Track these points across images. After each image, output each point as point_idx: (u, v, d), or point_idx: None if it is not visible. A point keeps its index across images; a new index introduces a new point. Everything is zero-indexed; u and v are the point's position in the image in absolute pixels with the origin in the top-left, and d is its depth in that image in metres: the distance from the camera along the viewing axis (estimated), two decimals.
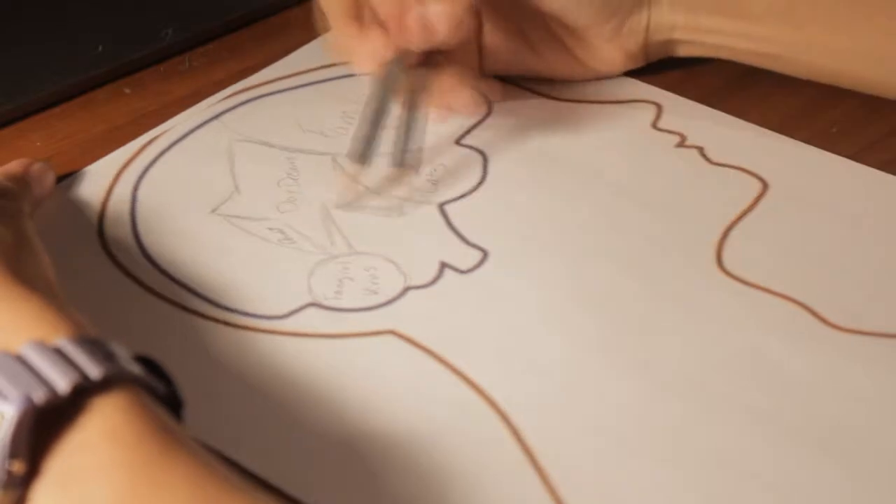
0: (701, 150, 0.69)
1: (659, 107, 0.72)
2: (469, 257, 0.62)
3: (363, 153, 0.66)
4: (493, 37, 0.72)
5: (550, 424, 0.54)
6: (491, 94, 0.71)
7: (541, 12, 0.70)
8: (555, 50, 0.72)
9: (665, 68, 0.74)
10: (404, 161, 0.66)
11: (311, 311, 0.59)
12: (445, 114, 0.69)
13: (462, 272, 0.61)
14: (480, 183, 0.67)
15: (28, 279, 0.50)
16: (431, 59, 0.67)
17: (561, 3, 0.69)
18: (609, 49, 0.72)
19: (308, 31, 0.77)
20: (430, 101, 0.67)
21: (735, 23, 0.70)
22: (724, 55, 0.72)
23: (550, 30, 0.72)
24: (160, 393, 0.46)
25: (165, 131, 0.70)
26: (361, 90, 0.68)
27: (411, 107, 0.66)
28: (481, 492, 0.51)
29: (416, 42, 0.65)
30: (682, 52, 0.73)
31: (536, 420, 0.54)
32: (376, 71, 0.67)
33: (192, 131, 0.70)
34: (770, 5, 0.69)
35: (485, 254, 0.62)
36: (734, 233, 0.63)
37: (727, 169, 0.67)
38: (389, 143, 0.66)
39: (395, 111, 0.66)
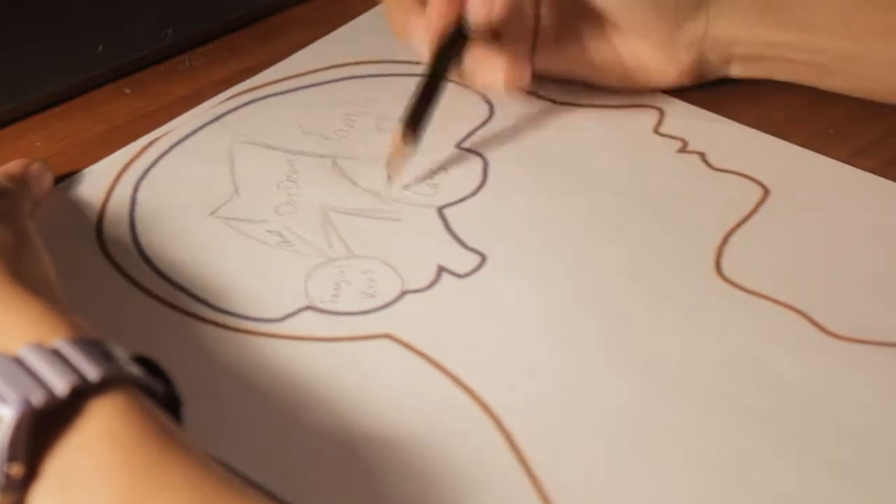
0: (702, 155, 0.68)
1: (661, 112, 0.72)
2: (467, 261, 0.62)
3: (415, 126, 0.66)
4: (547, 35, 0.72)
5: (547, 429, 0.54)
6: (521, 77, 0.70)
7: (594, 13, 0.70)
8: (606, 57, 0.72)
9: None
10: (415, 129, 0.66)
11: (308, 314, 0.59)
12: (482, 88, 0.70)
13: (460, 276, 0.61)
14: (480, 187, 0.67)
15: (28, 280, 0.50)
16: (481, 36, 0.68)
17: (610, 1, 0.69)
18: (660, 60, 0.71)
19: (308, 31, 0.77)
20: (462, 75, 0.69)
21: (797, 36, 0.69)
22: (780, 75, 0.71)
23: (605, 36, 0.71)
24: (159, 393, 0.46)
25: (167, 133, 0.70)
26: (363, 92, 0.69)
27: (437, 77, 0.67)
28: (475, 496, 0.51)
29: (474, 15, 0.66)
30: (741, 72, 0.72)
31: (533, 425, 0.54)
32: (430, 44, 0.67)
33: (193, 133, 0.70)
34: (830, 17, 0.68)
35: (483, 258, 0.62)
36: (734, 239, 0.63)
37: (728, 175, 0.67)
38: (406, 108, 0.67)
39: (447, 87, 0.68)
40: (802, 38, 0.69)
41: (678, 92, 0.73)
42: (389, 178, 0.67)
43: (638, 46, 0.71)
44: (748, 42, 0.70)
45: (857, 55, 0.68)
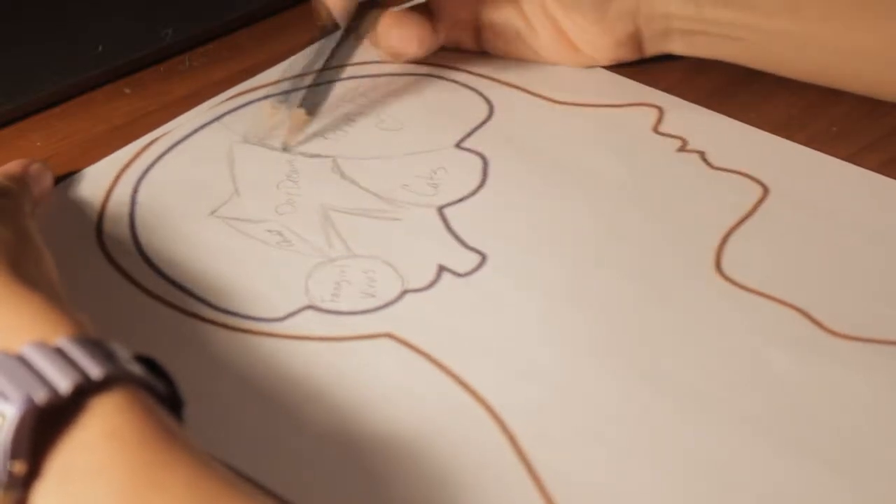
0: (702, 154, 0.68)
1: (660, 110, 0.72)
2: (467, 261, 0.62)
3: (288, 96, 0.70)
4: (491, 11, 0.73)
5: (547, 429, 0.54)
6: (424, 45, 0.72)
7: None
8: (551, 32, 0.73)
9: (665, 69, 0.74)
10: (307, 105, 0.69)
11: (309, 313, 0.59)
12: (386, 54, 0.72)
13: (460, 275, 0.61)
14: (480, 186, 0.67)
15: (30, 278, 0.50)
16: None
17: None
18: (596, 33, 0.72)
19: (308, 31, 0.77)
20: (370, 39, 0.71)
21: (742, 15, 0.69)
22: (725, 54, 0.71)
23: (547, 11, 0.72)
24: (161, 392, 0.46)
25: (167, 133, 0.70)
26: (363, 92, 0.69)
27: (337, 53, 0.70)
28: (476, 497, 0.51)
29: None
30: (682, 48, 0.72)
31: (533, 425, 0.54)
32: (341, 12, 0.70)
33: (193, 133, 0.70)
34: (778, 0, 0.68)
35: (483, 257, 0.62)
36: (734, 238, 0.63)
37: (728, 174, 0.67)
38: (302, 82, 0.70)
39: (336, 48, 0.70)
40: (746, 16, 0.69)
41: (677, 91, 0.73)
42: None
43: (575, 20, 0.72)
44: (688, 17, 0.70)
45: (805, 39, 0.68)
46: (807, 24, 0.68)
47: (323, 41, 0.70)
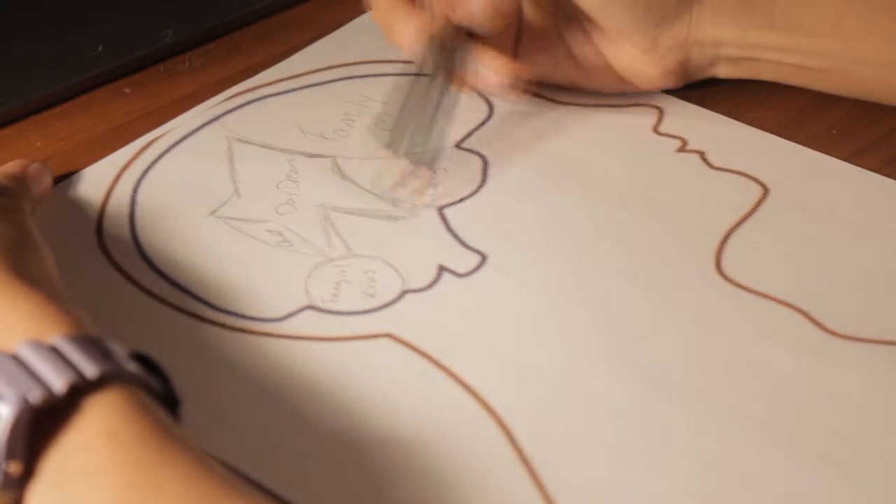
0: (702, 154, 0.68)
1: (660, 111, 0.72)
2: (467, 261, 0.62)
3: (396, 141, 0.66)
4: (532, 38, 0.71)
5: (547, 429, 0.54)
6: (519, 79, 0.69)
7: (578, 16, 0.69)
8: (592, 58, 0.71)
9: None
10: (426, 159, 0.67)
11: (309, 313, 0.59)
12: (483, 89, 0.69)
13: (460, 276, 0.61)
14: (480, 187, 0.67)
15: (30, 275, 0.50)
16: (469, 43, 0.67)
17: (593, 3, 0.68)
18: (646, 62, 0.70)
19: (308, 31, 0.77)
20: (464, 78, 0.68)
21: (786, 37, 0.68)
22: (769, 76, 0.70)
23: (589, 37, 0.71)
24: (157, 390, 0.46)
25: (166, 133, 0.70)
26: (362, 92, 0.69)
27: (440, 101, 0.67)
28: (476, 496, 0.51)
29: (483, 17, 0.66)
30: (727, 72, 0.71)
31: (533, 424, 0.54)
32: (418, 49, 0.67)
33: (192, 133, 0.70)
34: (818, 18, 0.67)
35: (483, 257, 0.62)
36: (734, 238, 0.63)
37: (728, 174, 0.67)
38: (415, 137, 0.67)
39: (433, 94, 0.67)
40: (790, 38, 0.68)
41: (677, 91, 0.72)
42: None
43: (622, 49, 0.70)
44: (734, 43, 0.69)
45: (846, 57, 0.68)
46: (848, 42, 0.67)
47: (411, 86, 0.67)
